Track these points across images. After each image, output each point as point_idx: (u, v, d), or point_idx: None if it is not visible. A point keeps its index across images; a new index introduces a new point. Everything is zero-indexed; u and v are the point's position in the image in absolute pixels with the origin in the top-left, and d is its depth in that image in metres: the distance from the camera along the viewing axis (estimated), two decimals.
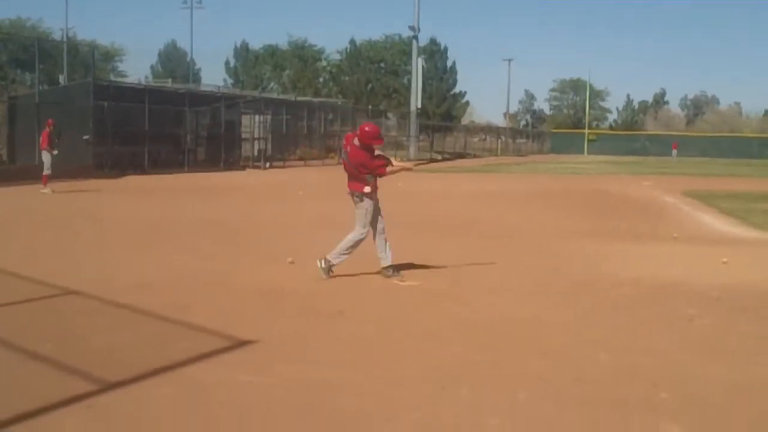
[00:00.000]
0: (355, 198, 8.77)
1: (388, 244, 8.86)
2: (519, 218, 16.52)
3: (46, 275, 8.58)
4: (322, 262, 8.69)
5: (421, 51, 62.66)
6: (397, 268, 8.94)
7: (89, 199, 19.48)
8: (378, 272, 8.87)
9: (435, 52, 78.92)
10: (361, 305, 7.61)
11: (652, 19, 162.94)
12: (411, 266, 9.48)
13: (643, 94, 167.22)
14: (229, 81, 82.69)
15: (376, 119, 55.95)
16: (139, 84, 41.40)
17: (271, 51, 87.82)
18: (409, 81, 63.42)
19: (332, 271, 8.66)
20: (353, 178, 8.77)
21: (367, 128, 8.87)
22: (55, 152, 20.85)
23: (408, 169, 9.80)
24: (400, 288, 8.40)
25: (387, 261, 8.85)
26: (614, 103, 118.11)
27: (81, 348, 5.88)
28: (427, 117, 69.86)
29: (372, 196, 8.73)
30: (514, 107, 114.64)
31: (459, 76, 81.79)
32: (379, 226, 8.84)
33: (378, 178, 8.80)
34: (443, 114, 77.19)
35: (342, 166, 9.03)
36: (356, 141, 8.72)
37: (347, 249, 8.73)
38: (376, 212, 8.82)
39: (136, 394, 4.86)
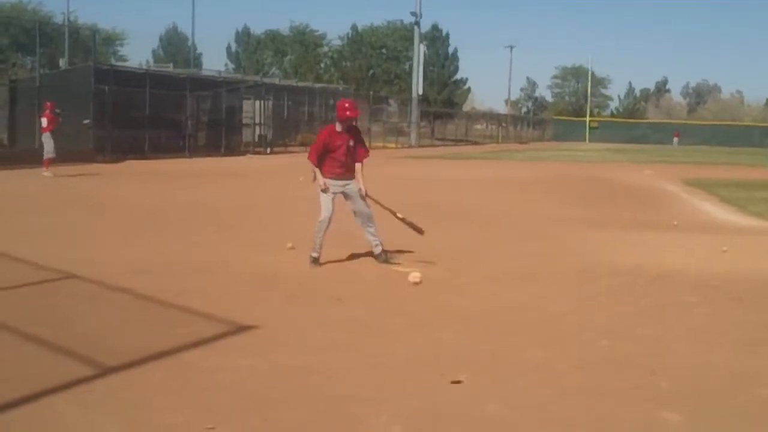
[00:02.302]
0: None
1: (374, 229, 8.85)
2: (519, 205, 16.50)
3: (44, 259, 8.57)
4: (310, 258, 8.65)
5: (423, 37, 62.54)
6: (388, 252, 8.96)
7: (89, 183, 19.46)
8: (376, 258, 8.89)
9: (437, 39, 78.67)
10: (358, 291, 7.61)
11: (655, 7, 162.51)
12: (409, 253, 9.47)
13: (645, 81, 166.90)
14: (231, 66, 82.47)
15: (377, 105, 55.92)
16: (140, 68, 41.29)
17: (273, 36, 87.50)
18: (411, 67, 63.31)
19: (318, 262, 8.61)
20: (345, 162, 8.72)
21: (347, 104, 8.84)
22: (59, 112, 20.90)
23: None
24: (398, 275, 8.39)
25: (378, 248, 8.88)
26: (616, 91, 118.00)
27: (78, 332, 5.87)
28: (429, 103, 69.67)
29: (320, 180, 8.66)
30: (515, 94, 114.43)
31: (460, 63, 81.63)
32: (366, 212, 8.78)
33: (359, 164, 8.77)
34: (444, 101, 77.01)
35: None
36: (338, 127, 8.69)
37: (318, 236, 8.62)
38: (356, 199, 8.75)
39: (133, 379, 4.86)
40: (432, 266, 8.94)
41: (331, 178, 8.62)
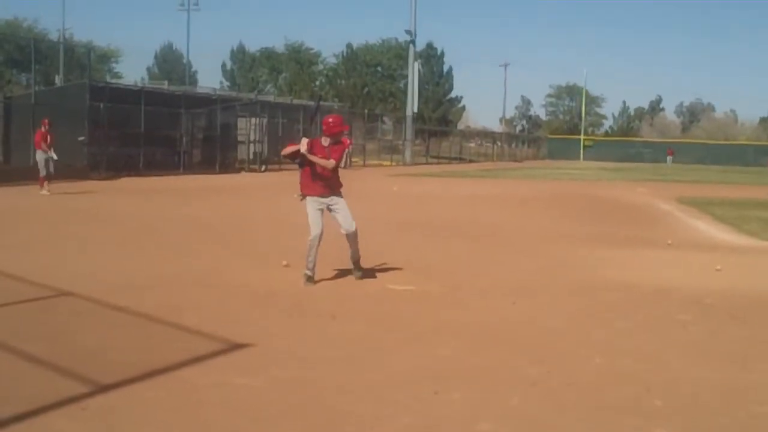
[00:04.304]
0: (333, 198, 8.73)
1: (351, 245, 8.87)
2: (514, 222, 16.51)
3: (39, 276, 8.55)
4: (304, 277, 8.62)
5: (418, 55, 62.75)
6: (363, 269, 9.00)
7: (84, 200, 19.44)
8: (372, 276, 8.91)
9: (431, 57, 79.08)
10: (354, 308, 7.61)
11: (649, 26, 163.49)
12: (405, 269, 9.48)
13: (639, 100, 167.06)
14: (226, 83, 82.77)
15: (372, 123, 56.05)
16: (135, 85, 41.40)
17: (268, 54, 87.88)
18: (406, 85, 63.49)
19: (313, 280, 8.58)
20: (329, 180, 8.69)
21: (331, 119, 8.84)
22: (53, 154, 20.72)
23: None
24: (394, 291, 8.41)
25: (355, 269, 8.95)
26: (610, 109, 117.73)
27: (74, 349, 5.87)
28: (423, 121, 69.91)
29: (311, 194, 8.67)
30: (510, 112, 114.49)
31: (455, 81, 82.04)
32: (351, 229, 8.75)
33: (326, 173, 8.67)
34: (439, 118, 77.31)
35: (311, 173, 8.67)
36: (324, 141, 8.63)
37: (310, 253, 8.56)
38: (341, 211, 8.72)
39: (129, 396, 4.85)
40: (429, 281, 8.96)
41: (315, 196, 8.64)
